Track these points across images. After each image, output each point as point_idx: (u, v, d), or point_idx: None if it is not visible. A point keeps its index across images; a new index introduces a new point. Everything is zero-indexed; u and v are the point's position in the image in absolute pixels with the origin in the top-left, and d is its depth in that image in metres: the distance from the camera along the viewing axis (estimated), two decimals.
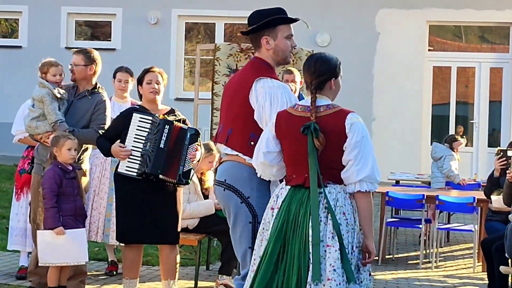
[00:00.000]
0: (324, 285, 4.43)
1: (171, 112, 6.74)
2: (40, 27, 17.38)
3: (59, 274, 6.69)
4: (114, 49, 17.09)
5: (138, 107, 6.71)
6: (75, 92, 7.12)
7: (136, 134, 6.50)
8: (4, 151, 16.32)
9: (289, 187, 4.72)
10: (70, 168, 6.66)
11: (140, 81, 6.73)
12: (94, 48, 7.54)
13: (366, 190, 4.58)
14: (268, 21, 5.17)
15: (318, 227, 4.49)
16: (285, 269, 4.56)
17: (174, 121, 6.58)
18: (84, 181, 7.08)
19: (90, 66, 7.15)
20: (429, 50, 17.00)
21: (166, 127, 6.48)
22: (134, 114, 6.54)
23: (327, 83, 4.75)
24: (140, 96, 6.80)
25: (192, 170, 6.65)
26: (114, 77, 8.27)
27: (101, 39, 17.70)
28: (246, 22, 5.34)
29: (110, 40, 17.53)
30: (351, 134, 4.56)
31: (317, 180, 4.58)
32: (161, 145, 6.45)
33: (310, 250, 4.47)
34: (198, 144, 6.66)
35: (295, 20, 5.27)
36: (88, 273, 7.58)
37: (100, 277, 8.17)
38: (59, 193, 6.53)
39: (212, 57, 11.22)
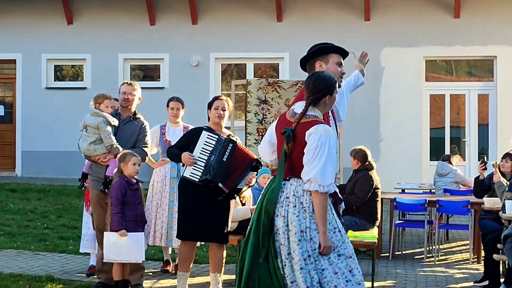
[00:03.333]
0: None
1: (230, 136, 6.75)
2: (101, 71, 17.57)
3: (122, 269, 6.77)
4: (163, 88, 17.24)
5: (206, 127, 6.71)
6: (119, 118, 7.23)
7: (202, 148, 6.51)
8: (74, 175, 16.44)
9: (271, 177, 4.75)
10: (134, 181, 6.73)
11: (209, 106, 6.79)
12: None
13: (312, 190, 4.45)
14: (321, 48, 5.15)
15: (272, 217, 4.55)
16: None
17: (238, 141, 6.61)
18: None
19: (139, 97, 7.34)
20: (426, 81, 16.98)
21: (230, 145, 6.49)
22: (203, 132, 6.57)
23: (322, 100, 4.65)
24: (208, 118, 6.85)
25: (242, 189, 6.64)
26: (168, 105, 8.31)
27: (152, 79, 17.86)
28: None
29: (159, 80, 17.66)
30: (309, 142, 4.48)
31: (283, 174, 4.57)
32: (224, 159, 6.44)
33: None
34: (256, 173, 6.72)
35: (344, 51, 5.22)
36: (146, 271, 7.65)
37: (156, 274, 8.24)
38: (123, 201, 6.59)
39: (244, 92, 11.31)
